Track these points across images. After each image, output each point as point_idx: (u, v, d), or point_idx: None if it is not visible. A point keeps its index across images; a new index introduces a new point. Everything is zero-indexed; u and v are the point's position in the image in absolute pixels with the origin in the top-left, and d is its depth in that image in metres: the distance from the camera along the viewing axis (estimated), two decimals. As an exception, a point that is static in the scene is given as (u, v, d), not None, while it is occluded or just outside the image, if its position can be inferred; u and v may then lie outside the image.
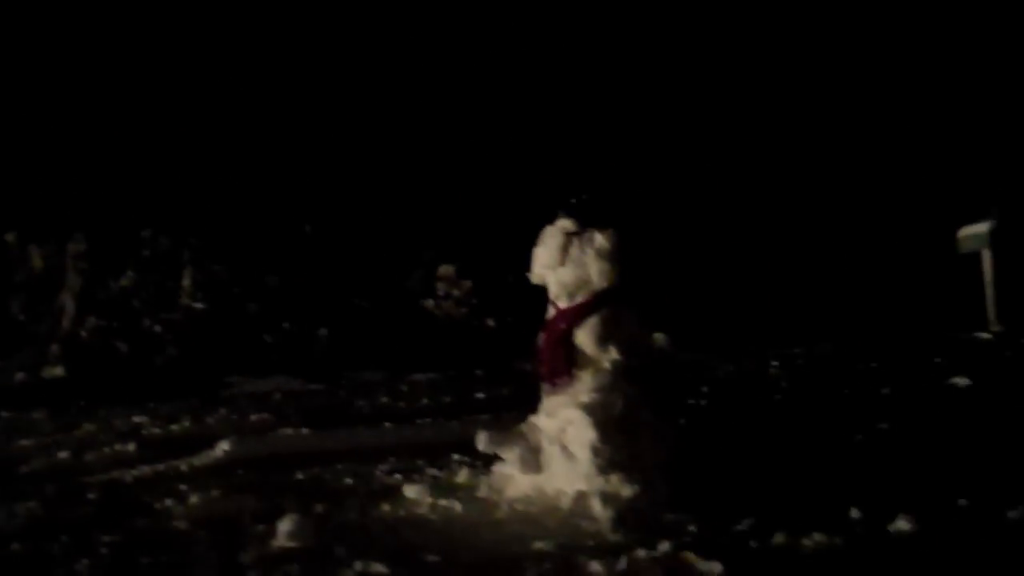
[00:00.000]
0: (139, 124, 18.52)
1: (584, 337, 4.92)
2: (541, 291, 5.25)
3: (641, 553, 3.56)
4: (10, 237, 17.65)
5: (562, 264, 5.02)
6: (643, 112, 20.38)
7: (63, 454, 7.32)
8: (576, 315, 4.96)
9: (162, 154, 18.50)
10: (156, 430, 8.86)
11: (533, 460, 4.81)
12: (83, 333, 16.96)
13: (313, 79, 19.73)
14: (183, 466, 6.52)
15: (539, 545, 3.81)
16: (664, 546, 3.60)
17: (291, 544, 4.04)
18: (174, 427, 9.01)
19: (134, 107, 18.57)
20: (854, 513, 3.98)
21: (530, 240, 5.24)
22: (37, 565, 4.01)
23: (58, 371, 16.27)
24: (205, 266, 18.19)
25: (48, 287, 17.72)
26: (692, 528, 3.96)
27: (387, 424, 8.26)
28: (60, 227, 17.83)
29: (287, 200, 19.13)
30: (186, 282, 17.96)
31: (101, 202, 17.99)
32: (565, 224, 5.11)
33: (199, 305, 17.73)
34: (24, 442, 8.26)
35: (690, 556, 3.50)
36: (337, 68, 19.85)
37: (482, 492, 4.90)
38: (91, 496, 5.52)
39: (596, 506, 4.25)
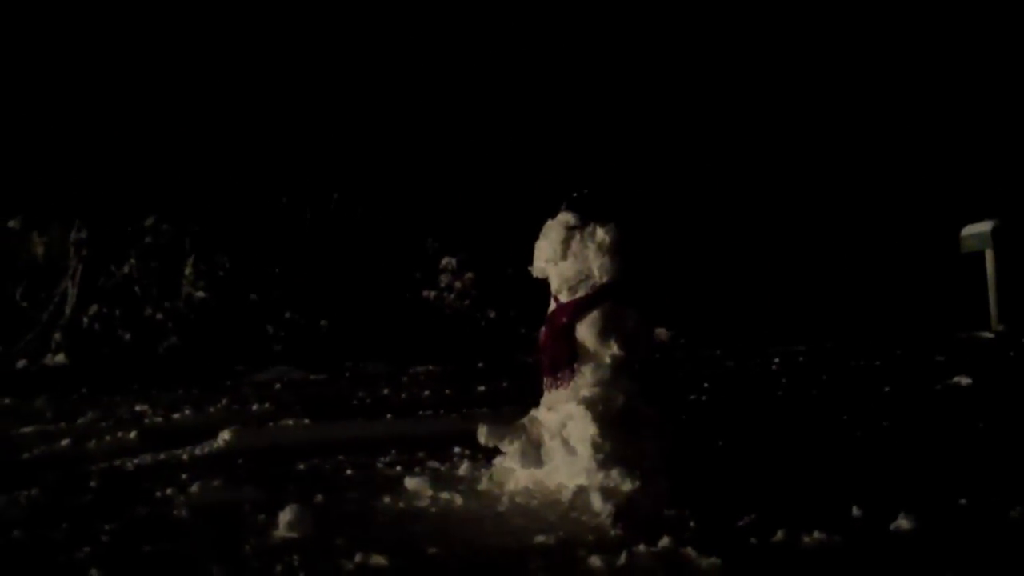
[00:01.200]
0: (142, 111, 18.45)
1: (585, 332, 4.91)
2: (543, 284, 5.24)
3: (641, 548, 3.56)
4: (13, 223, 17.65)
5: (563, 258, 5.01)
6: (646, 107, 20.33)
7: (64, 442, 7.33)
8: (577, 309, 4.95)
9: (165, 141, 18.45)
10: (158, 419, 8.86)
11: (534, 454, 4.82)
12: (85, 320, 16.98)
13: (316, 69, 19.66)
14: (184, 455, 6.52)
15: (540, 539, 3.81)
16: (664, 541, 3.60)
17: (291, 534, 4.04)
18: (176, 416, 9.01)
19: (137, 94, 18.51)
20: (855, 511, 3.98)
21: (532, 233, 5.23)
22: (38, 552, 4.01)
23: (60, 358, 16.29)
24: (207, 254, 18.19)
25: (50, 274, 17.73)
26: (692, 524, 3.96)
27: (388, 416, 8.26)
28: (63, 214, 17.82)
29: (290, 190, 19.11)
30: (188, 270, 17.96)
31: (104, 189, 17.96)
32: (567, 218, 5.10)
33: (201, 294, 17.73)
34: (25, 429, 8.26)
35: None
36: (340, 58, 19.79)
37: (483, 485, 4.90)
38: (92, 484, 5.52)
39: (596, 501, 4.25)
